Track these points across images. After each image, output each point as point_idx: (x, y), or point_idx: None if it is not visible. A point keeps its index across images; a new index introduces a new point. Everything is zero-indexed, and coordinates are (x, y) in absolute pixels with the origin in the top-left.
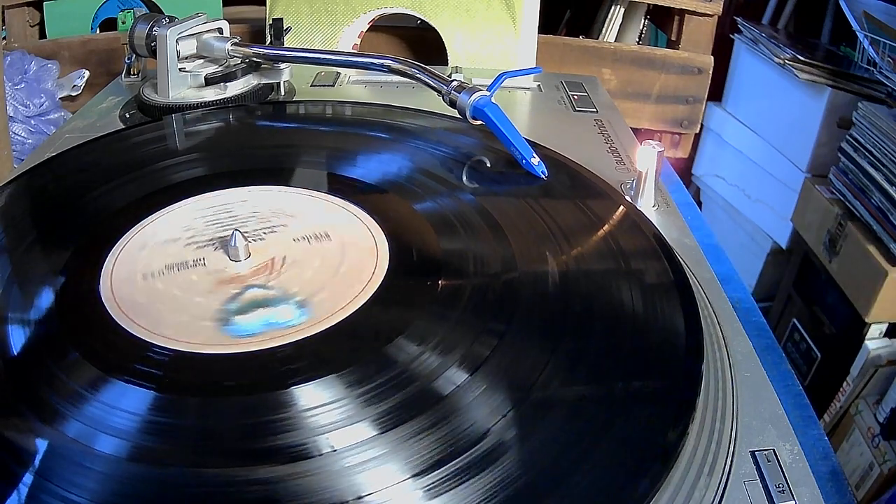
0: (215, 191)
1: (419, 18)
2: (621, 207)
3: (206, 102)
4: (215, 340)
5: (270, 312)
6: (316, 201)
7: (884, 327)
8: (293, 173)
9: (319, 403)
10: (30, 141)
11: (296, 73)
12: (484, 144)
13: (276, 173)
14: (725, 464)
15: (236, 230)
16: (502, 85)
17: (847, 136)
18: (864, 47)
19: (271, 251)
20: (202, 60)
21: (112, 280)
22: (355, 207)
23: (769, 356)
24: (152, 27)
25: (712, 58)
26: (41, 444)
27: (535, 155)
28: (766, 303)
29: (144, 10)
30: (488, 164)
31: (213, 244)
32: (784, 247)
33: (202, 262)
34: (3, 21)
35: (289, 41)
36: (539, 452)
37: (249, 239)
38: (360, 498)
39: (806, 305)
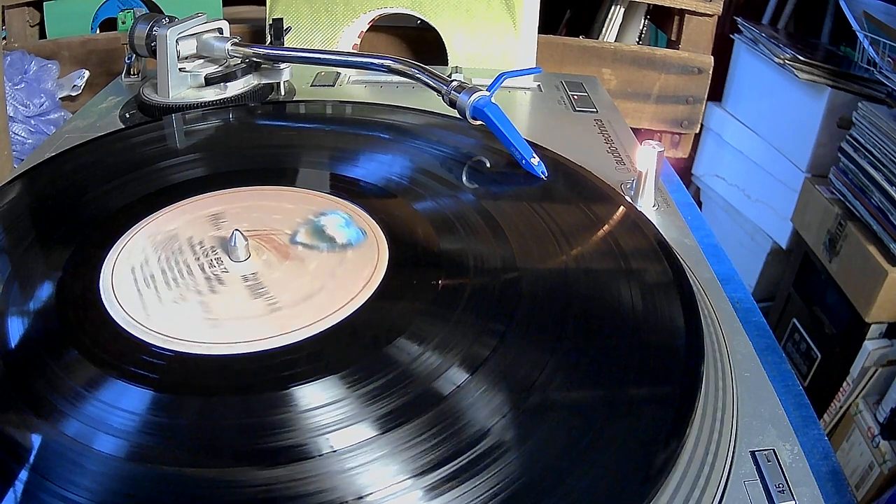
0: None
1: (419, 18)
2: (621, 207)
3: (206, 102)
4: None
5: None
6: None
7: (884, 327)
8: (293, 173)
9: (319, 404)
10: (30, 141)
11: (296, 73)
12: (484, 144)
13: (275, 173)
14: (725, 464)
15: (237, 230)
16: (502, 85)
17: (847, 136)
18: (864, 47)
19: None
20: (202, 60)
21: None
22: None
23: (769, 356)
24: (152, 27)
25: (712, 58)
26: (40, 443)
27: (534, 155)
28: (766, 303)
29: (144, 10)
30: (488, 164)
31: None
32: (784, 247)
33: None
34: (3, 21)
35: (289, 41)
36: (538, 452)
37: (250, 239)
38: (360, 498)
39: (806, 305)
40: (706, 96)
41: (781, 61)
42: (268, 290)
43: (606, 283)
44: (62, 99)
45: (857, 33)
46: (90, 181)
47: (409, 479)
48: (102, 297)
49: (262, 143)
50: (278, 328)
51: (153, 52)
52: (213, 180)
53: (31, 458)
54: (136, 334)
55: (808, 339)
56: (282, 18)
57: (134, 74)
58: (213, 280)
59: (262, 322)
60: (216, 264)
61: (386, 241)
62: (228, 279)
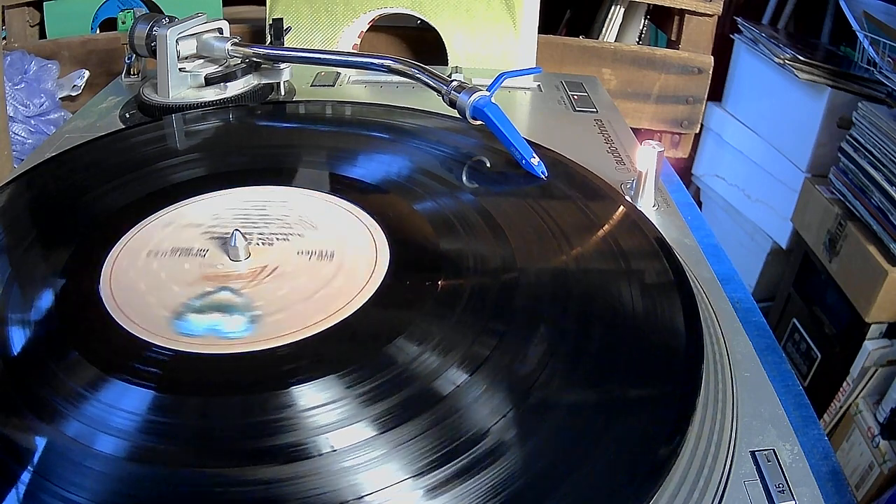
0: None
1: (419, 18)
2: (621, 207)
3: (206, 102)
4: (166, 333)
5: (221, 319)
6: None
7: (884, 327)
8: (293, 173)
9: (319, 403)
10: (30, 141)
11: (296, 73)
12: (484, 144)
13: (275, 173)
14: (725, 464)
15: (236, 230)
16: (502, 85)
17: (847, 136)
18: (864, 47)
19: (271, 252)
20: (202, 60)
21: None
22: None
23: (769, 356)
24: (152, 27)
25: (712, 58)
26: (41, 444)
27: (534, 155)
28: (766, 303)
29: (144, 10)
30: (488, 164)
31: (214, 244)
32: (784, 247)
33: (202, 261)
34: (3, 21)
35: (289, 41)
36: (538, 452)
37: (252, 241)
38: (360, 498)
39: (806, 305)
40: (706, 96)
41: (781, 61)
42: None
43: (606, 283)
44: (62, 99)
45: (857, 33)
46: (90, 181)
47: (409, 478)
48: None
49: (262, 143)
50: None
51: (153, 52)
52: (213, 180)
53: (32, 459)
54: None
55: (808, 339)
56: (282, 18)
57: (134, 74)
58: (213, 280)
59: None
60: (216, 264)
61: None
62: (228, 279)
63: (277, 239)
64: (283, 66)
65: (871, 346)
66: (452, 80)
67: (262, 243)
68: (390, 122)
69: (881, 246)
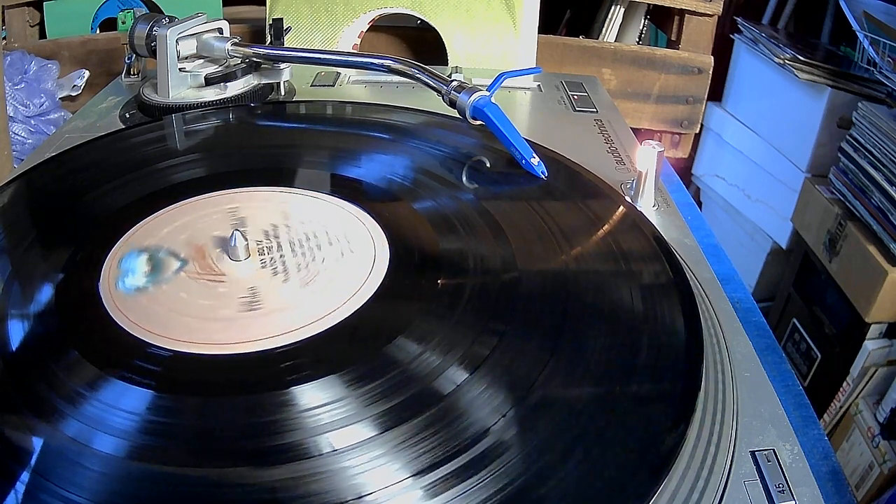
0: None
1: (419, 18)
2: (621, 208)
3: (206, 102)
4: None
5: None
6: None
7: (884, 327)
8: (293, 173)
9: (319, 403)
10: (30, 141)
11: (296, 73)
12: (484, 144)
13: (275, 173)
14: (725, 464)
15: (236, 230)
16: (502, 85)
17: (847, 136)
18: (864, 47)
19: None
20: (202, 60)
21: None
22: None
23: (769, 356)
24: (152, 27)
25: (712, 58)
26: (40, 443)
27: (534, 155)
28: (766, 303)
29: (144, 10)
30: (488, 164)
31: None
32: (784, 247)
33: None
34: (3, 21)
35: (289, 41)
36: (538, 452)
37: (249, 239)
38: (360, 498)
39: (806, 305)
40: (706, 96)
41: (781, 61)
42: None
43: (606, 282)
44: (62, 99)
45: (857, 33)
46: (90, 181)
47: (409, 478)
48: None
49: (262, 143)
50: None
51: (153, 52)
52: (213, 180)
53: (32, 459)
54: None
55: (808, 339)
56: (282, 18)
57: (134, 74)
58: (213, 280)
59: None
60: (216, 264)
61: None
62: (228, 279)
63: (277, 239)
64: (283, 66)
65: (871, 346)
66: (452, 80)
67: (263, 243)
68: (390, 122)
69: (881, 246)
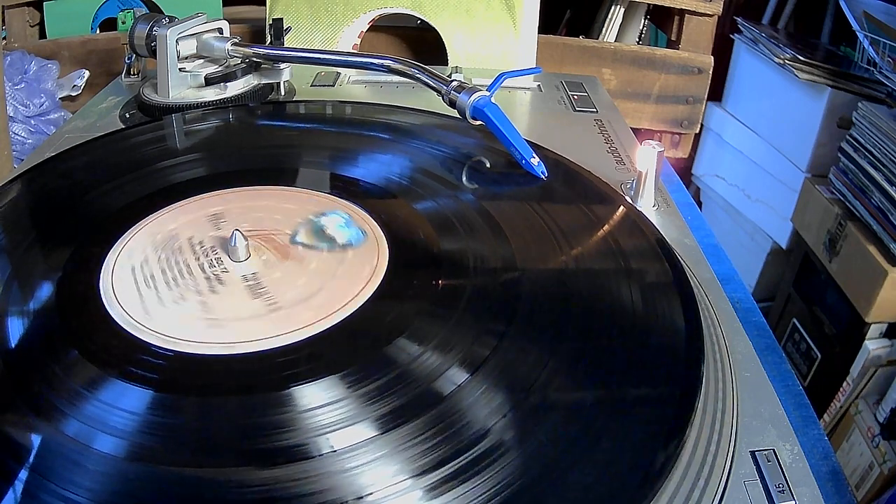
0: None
1: (419, 18)
2: (621, 208)
3: (206, 102)
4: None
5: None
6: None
7: (884, 327)
8: (293, 173)
9: (319, 403)
10: (30, 141)
11: (296, 73)
12: (484, 144)
13: (275, 173)
14: (725, 464)
15: (237, 230)
16: (502, 85)
17: (847, 136)
18: (864, 47)
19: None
20: (202, 60)
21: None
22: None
23: (769, 356)
24: (152, 27)
25: (712, 58)
26: (40, 443)
27: (534, 155)
28: (766, 303)
29: (144, 10)
30: (488, 164)
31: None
32: (784, 247)
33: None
34: (3, 21)
35: (289, 41)
36: (538, 452)
37: (249, 239)
38: (360, 498)
39: (806, 305)
40: (706, 96)
41: (781, 61)
42: (268, 290)
43: (606, 283)
44: (62, 99)
45: (857, 33)
46: (90, 181)
47: (409, 479)
48: (102, 297)
49: (262, 143)
50: (278, 328)
51: (153, 52)
52: (213, 180)
53: (32, 458)
54: (136, 334)
55: (808, 339)
56: (282, 18)
57: (134, 74)
58: (213, 280)
59: (262, 322)
60: (216, 264)
61: (386, 241)
62: (228, 279)
63: (277, 239)
64: (283, 66)
65: (871, 346)
66: (452, 80)
67: (263, 243)
68: (390, 122)
69: (881, 246)
